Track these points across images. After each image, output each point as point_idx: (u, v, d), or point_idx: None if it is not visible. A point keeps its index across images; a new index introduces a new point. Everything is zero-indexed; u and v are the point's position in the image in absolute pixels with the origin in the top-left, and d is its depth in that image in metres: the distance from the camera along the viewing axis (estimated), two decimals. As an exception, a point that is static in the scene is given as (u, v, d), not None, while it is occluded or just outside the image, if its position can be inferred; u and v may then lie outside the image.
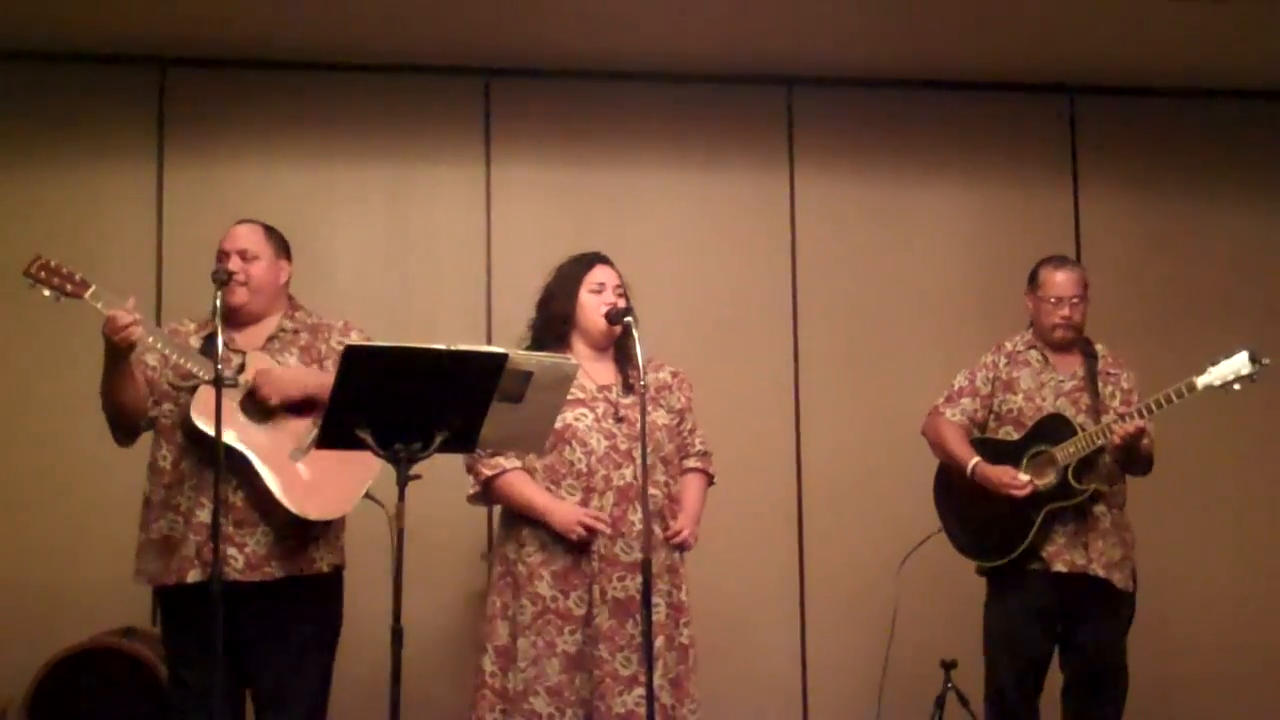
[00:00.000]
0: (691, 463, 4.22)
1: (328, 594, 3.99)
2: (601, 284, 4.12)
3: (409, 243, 5.88)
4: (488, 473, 4.05)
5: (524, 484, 4.03)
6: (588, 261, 4.17)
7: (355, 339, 4.00)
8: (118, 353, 3.69)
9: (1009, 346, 4.74)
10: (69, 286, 3.73)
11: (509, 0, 5.29)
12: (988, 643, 4.65)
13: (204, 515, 3.78)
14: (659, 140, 6.06)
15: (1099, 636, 4.54)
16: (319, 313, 4.16)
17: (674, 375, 4.25)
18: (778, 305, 6.06)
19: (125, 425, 3.90)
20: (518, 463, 4.05)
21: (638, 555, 3.88)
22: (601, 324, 4.06)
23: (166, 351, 3.82)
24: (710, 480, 4.28)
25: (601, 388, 4.08)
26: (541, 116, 5.99)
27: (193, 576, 3.77)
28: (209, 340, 3.87)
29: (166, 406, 3.89)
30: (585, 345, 4.14)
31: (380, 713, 4.44)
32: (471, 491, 4.15)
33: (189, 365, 3.79)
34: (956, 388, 4.75)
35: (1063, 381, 4.63)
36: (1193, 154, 6.37)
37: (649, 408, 3.99)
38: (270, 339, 3.98)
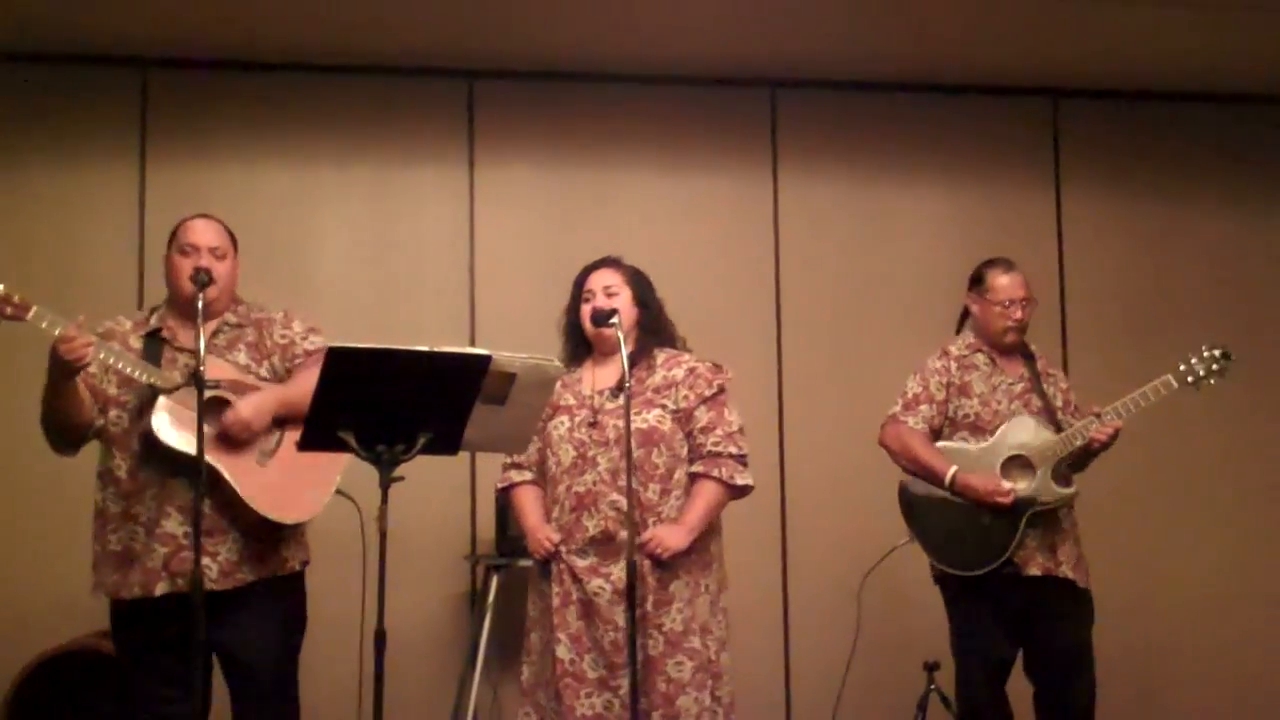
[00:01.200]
0: (696, 467, 4.04)
1: (296, 590, 3.96)
2: (590, 291, 4.11)
3: (392, 244, 5.87)
4: (499, 485, 4.16)
5: (523, 501, 4.10)
6: (584, 271, 4.18)
7: (298, 328, 3.99)
8: (66, 371, 3.53)
9: (954, 350, 4.67)
10: (8, 310, 3.53)
11: (493, 2, 5.29)
12: (957, 645, 4.62)
13: (171, 525, 3.69)
14: (643, 142, 6.07)
15: (1069, 635, 4.53)
16: (265, 308, 4.06)
17: (690, 371, 4.09)
18: (761, 307, 6.07)
19: (71, 439, 3.78)
20: (529, 475, 4.11)
21: (593, 559, 3.89)
22: (591, 330, 4.07)
23: (118, 364, 3.68)
24: (726, 486, 4.02)
25: (596, 392, 4.05)
26: (525, 118, 5.99)
27: (161, 588, 3.68)
28: (150, 340, 3.81)
29: (114, 414, 3.78)
30: (598, 351, 4.15)
31: (350, 713, 4.47)
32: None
33: (144, 377, 3.67)
34: (911, 395, 4.63)
35: (1013, 384, 4.61)
36: (1175, 158, 6.40)
37: (632, 410, 3.95)
38: (215, 333, 3.86)
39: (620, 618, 3.81)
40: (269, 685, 3.83)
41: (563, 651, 3.86)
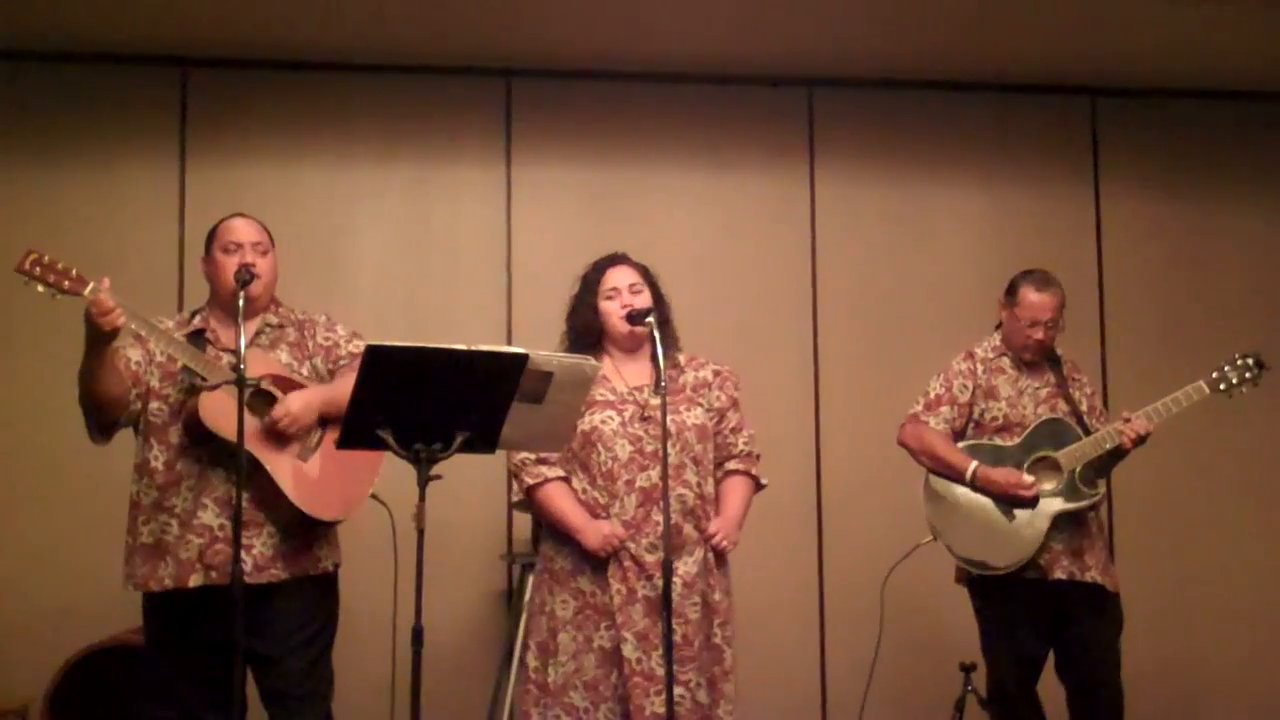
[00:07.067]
0: (732, 465, 4.16)
1: (331, 591, 3.98)
2: (615, 289, 4.11)
3: (429, 242, 5.89)
4: (529, 481, 4.04)
5: (561, 497, 4.01)
6: (601, 267, 4.18)
7: (342, 332, 4.03)
8: (100, 338, 3.51)
9: (980, 353, 4.68)
10: (66, 283, 3.49)
11: (530, 1, 5.30)
12: (986, 644, 4.65)
13: (207, 517, 3.71)
14: (679, 141, 6.07)
15: (1096, 639, 4.53)
16: (306, 310, 4.10)
17: (716, 373, 4.19)
18: (798, 306, 6.07)
19: (104, 420, 3.76)
20: (559, 471, 4.04)
21: (661, 554, 3.88)
22: (624, 328, 4.06)
23: (170, 350, 3.72)
24: (756, 483, 4.20)
25: (633, 389, 4.06)
26: (562, 117, 6.01)
27: (195, 581, 3.70)
28: (192, 340, 3.81)
29: (155, 405, 3.79)
30: (616, 349, 4.14)
31: (381, 712, 4.49)
32: (517, 498, 4.19)
33: (196, 364, 3.69)
34: (933, 395, 4.65)
35: (1039, 388, 4.61)
36: (1215, 157, 6.35)
37: (681, 407, 4.02)
38: (257, 333, 3.89)
39: (691, 610, 3.89)
40: (299, 685, 3.83)
41: (630, 651, 3.86)
